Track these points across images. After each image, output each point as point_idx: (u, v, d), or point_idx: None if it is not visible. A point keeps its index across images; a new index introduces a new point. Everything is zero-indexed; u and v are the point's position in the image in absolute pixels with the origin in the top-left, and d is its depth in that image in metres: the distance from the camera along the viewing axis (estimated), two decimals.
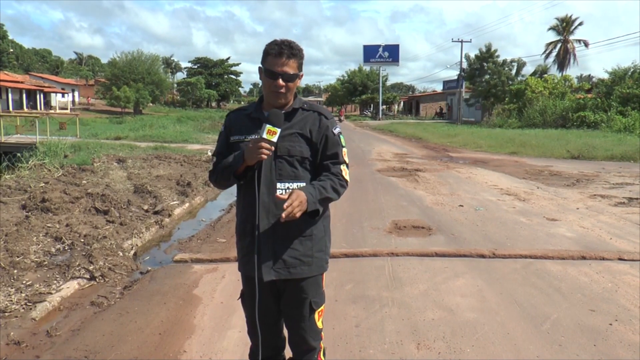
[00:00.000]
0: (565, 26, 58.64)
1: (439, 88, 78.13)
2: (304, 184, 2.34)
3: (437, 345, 3.70)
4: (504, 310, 4.33)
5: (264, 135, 2.22)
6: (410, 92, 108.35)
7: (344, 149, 2.45)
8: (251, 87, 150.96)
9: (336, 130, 2.43)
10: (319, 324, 2.53)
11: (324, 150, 2.39)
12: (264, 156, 2.22)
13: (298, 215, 2.17)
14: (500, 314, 4.25)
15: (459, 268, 5.49)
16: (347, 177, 2.44)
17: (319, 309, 2.51)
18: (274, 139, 2.23)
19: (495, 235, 6.92)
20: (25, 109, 47.84)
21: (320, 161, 2.40)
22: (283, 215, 2.14)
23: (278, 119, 2.25)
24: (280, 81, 2.31)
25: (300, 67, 2.38)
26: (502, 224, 7.56)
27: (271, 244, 2.36)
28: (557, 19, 59.75)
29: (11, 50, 70.29)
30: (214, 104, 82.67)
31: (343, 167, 2.42)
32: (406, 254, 5.94)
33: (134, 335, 3.92)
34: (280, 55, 2.30)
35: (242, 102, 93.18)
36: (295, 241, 2.38)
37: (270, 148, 2.23)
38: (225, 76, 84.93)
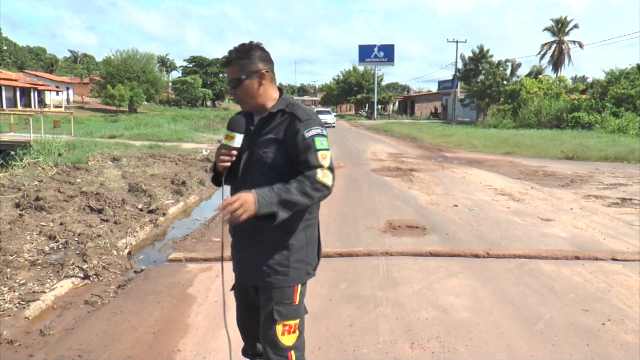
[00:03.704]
0: (560, 27, 58.87)
1: (433, 88, 78.31)
2: None
3: (431, 344, 3.71)
4: (498, 310, 4.35)
5: (223, 141, 2.25)
6: (406, 92, 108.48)
7: (321, 152, 2.21)
8: None
9: (308, 134, 2.22)
10: (284, 340, 2.32)
11: (297, 156, 2.25)
12: (223, 163, 2.25)
13: (244, 217, 2.07)
14: (494, 314, 4.27)
15: (453, 268, 5.50)
16: (325, 180, 2.19)
17: (285, 322, 2.32)
18: (233, 143, 2.23)
19: (490, 235, 6.94)
20: (19, 107, 47.62)
21: (296, 167, 2.26)
22: (222, 216, 2.11)
23: (236, 123, 2.26)
24: (231, 90, 2.36)
25: (243, 69, 2.27)
26: (496, 224, 7.58)
27: (249, 251, 2.35)
28: (552, 20, 60.02)
29: (5, 47, 69.92)
30: (209, 102, 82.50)
31: (320, 170, 2.18)
32: (400, 254, 5.95)
33: (127, 335, 3.91)
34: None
35: None
36: (270, 249, 2.30)
37: (230, 153, 2.25)
38: (221, 75, 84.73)
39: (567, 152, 18.19)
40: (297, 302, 2.35)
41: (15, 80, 53.05)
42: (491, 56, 47.16)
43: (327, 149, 2.24)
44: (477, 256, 5.92)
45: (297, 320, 2.36)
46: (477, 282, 5.06)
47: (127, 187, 9.70)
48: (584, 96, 36.00)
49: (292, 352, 2.36)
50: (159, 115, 49.93)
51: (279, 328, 2.32)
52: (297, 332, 2.36)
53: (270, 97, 2.35)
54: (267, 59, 2.34)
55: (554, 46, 60.34)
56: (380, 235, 6.83)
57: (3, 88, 48.65)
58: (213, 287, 4.86)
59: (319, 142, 2.22)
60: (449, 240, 6.64)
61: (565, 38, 59.75)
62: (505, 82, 45.26)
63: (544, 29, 60.84)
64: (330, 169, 2.23)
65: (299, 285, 2.36)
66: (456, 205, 8.93)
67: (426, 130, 34.54)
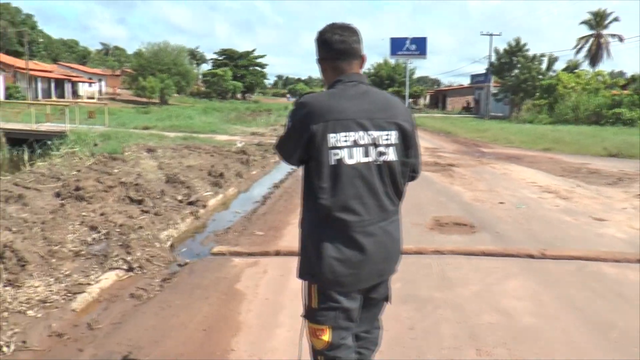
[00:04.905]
0: (599, 20, 57.19)
1: (464, 82, 77.15)
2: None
3: (498, 351, 3.47)
4: (565, 316, 4.08)
5: None
6: (436, 86, 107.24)
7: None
8: (275, 79, 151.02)
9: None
10: (313, 342, 2.22)
11: None
12: None
13: None
14: (561, 320, 4.00)
15: (510, 269, 5.23)
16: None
17: (306, 321, 2.24)
18: None
19: (542, 234, 6.63)
20: (54, 98, 48.46)
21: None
22: None
23: None
24: None
25: (316, 53, 2.31)
26: (547, 223, 7.26)
27: None
28: (590, 12, 58.34)
29: (41, 40, 71.16)
30: (238, 95, 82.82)
31: None
32: (452, 252, 5.70)
33: (177, 331, 3.77)
34: None
35: (267, 95, 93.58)
36: None
37: None
38: (251, 68, 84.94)
39: (610, 149, 17.54)
40: (314, 307, 2.18)
41: (50, 71, 54.07)
42: (527, 50, 46.13)
43: (284, 125, 2.24)
44: (532, 257, 5.63)
45: (317, 326, 2.17)
46: (537, 284, 4.79)
47: (165, 178, 9.60)
48: (625, 92, 34.87)
49: (320, 358, 2.22)
50: (189, 107, 50.26)
51: (307, 325, 2.22)
52: (320, 339, 2.17)
53: (327, 85, 2.26)
54: (319, 48, 2.27)
55: (591, 40, 58.72)
56: (428, 232, 6.58)
57: (38, 79, 49.58)
58: (262, 284, 4.68)
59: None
60: (500, 239, 6.36)
61: (604, 31, 58.04)
62: (540, 77, 44.15)
63: (581, 22, 59.23)
64: (280, 136, 2.27)
65: (314, 285, 2.17)
66: (502, 203, 8.61)
67: (460, 125, 33.95)
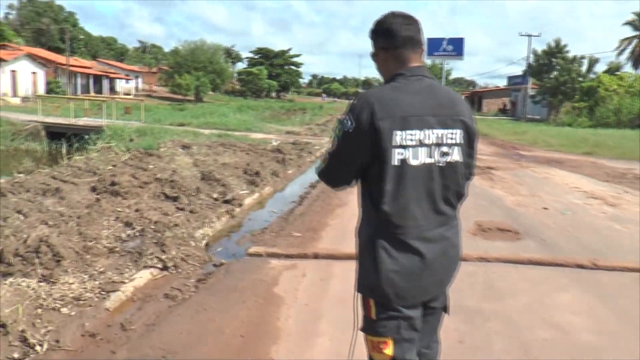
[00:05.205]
0: None
1: (500, 83, 75.84)
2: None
3: None
4: (628, 334, 3.77)
5: None
6: (471, 88, 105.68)
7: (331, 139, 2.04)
8: (310, 78, 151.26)
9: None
10: (374, 356, 2.03)
11: None
12: None
13: None
14: (623, 338, 3.71)
15: (560, 279, 4.92)
16: (319, 162, 2.13)
17: (365, 334, 2.05)
18: None
19: (591, 243, 6.29)
20: (92, 93, 49.41)
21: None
22: None
23: None
24: None
25: (372, 46, 2.12)
26: (595, 231, 6.90)
27: None
28: (635, 13, 56.41)
29: (81, 37, 72.66)
30: (273, 94, 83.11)
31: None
32: (497, 260, 5.42)
33: (213, 336, 3.61)
34: None
35: (302, 94, 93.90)
36: None
37: None
38: (286, 67, 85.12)
39: None
40: (372, 317, 2.00)
41: (89, 68, 55.24)
42: (567, 51, 44.94)
43: (332, 137, 2.02)
44: (582, 267, 5.31)
45: (379, 339, 1.99)
46: (592, 297, 4.49)
47: (200, 176, 9.51)
48: None
49: None
50: (224, 105, 50.55)
51: (367, 338, 2.04)
52: (382, 354, 1.98)
53: (386, 78, 2.07)
54: (379, 37, 2.08)
55: (635, 41, 56.78)
56: (471, 238, 6.29)
57: (78, 75, 50.69)
58: (301, 288, 4.50)
59: (334, 128, 2.02)
60: (547, 247, 6.05)
61: None
62: (580, 79, 42.93)
63: (624, 23, 57.29)
64: (329, 153, 2.03)
65: (370, 299, 2.00)
66: (546, 208, 8.25)
67: (496, 127, 33.22)
